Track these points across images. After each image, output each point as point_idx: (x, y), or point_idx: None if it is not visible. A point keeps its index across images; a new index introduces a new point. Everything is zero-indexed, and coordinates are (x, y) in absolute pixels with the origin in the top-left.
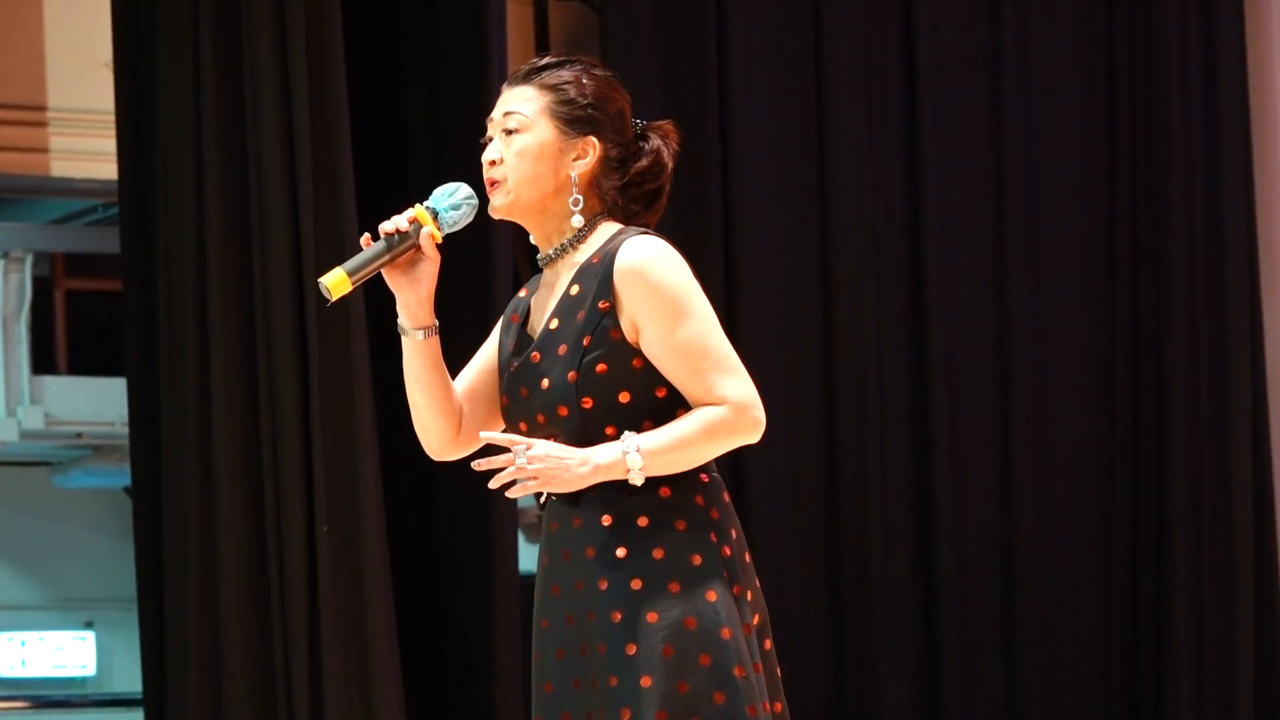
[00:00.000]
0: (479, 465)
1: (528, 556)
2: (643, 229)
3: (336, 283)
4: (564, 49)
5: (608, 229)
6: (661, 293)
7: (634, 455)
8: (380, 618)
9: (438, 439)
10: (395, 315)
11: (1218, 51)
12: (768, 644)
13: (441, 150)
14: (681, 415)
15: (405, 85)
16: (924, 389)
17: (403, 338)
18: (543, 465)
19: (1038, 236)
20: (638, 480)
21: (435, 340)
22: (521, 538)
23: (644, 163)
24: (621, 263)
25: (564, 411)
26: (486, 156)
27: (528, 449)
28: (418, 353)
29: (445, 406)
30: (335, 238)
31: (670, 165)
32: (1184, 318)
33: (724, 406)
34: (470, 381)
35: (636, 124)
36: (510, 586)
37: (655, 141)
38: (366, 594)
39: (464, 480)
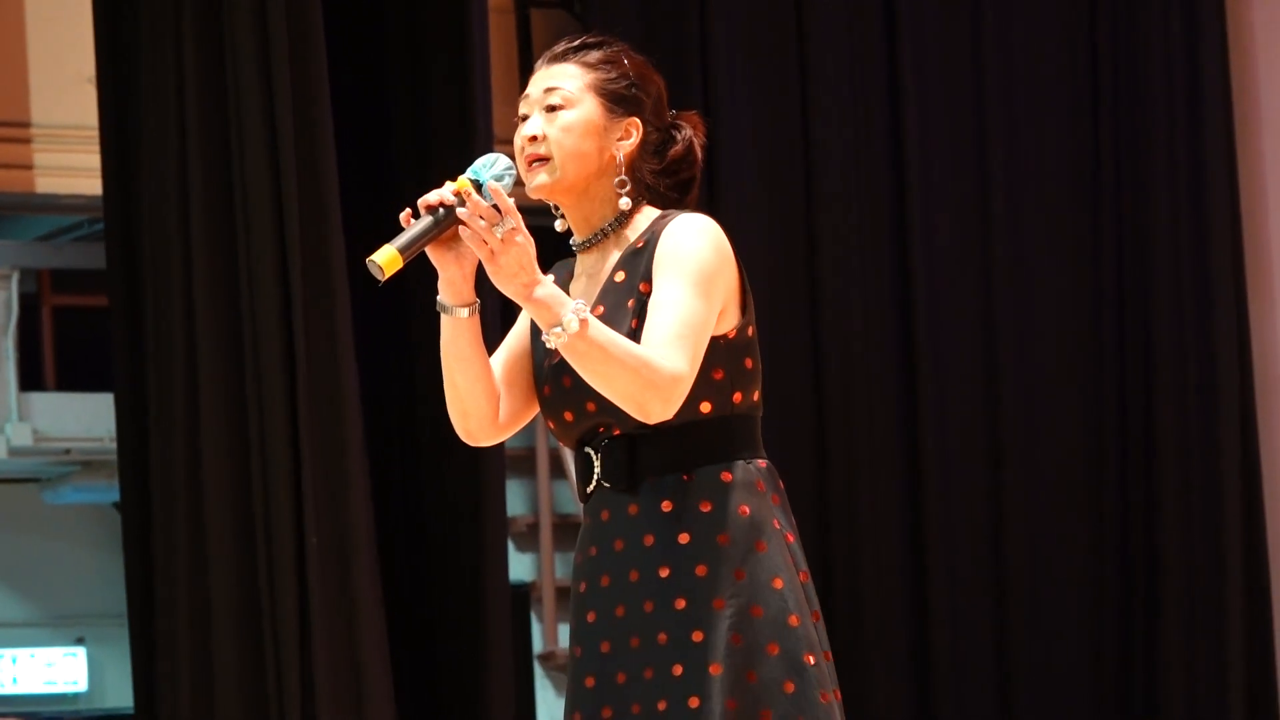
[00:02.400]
0: (468, 194)
1: (518, 566)
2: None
3: (389, 260)
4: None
5: (650, 213)
6: (684, 252)
7: (573, 321)
8: (371, 628)
9: (477, 422)
10: (383, 321)
11: (1200, 48)
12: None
13: (426, 156)
14: (739, 399)
15: (389, 93)
16: (912, 394)
17: (443, 317)
18: (505, 252)
19: (1023, 241)
20: (551, 342)
21: (477, 318)
22: (511, 546)
23: (679, 149)
24: (665, 235)
25: None
26: (527, 131)
27: (515, 232)
28: (461, 331)
29: (487, 387)
30: (321, 249)
31: (700, 156)
32: (1170, 315)
33: (664, 365)
34: (501, 368)
35: (669, 112)
36: (501, 596)
37: (687, 131)
38: (357, 605)
39: (454, 490)
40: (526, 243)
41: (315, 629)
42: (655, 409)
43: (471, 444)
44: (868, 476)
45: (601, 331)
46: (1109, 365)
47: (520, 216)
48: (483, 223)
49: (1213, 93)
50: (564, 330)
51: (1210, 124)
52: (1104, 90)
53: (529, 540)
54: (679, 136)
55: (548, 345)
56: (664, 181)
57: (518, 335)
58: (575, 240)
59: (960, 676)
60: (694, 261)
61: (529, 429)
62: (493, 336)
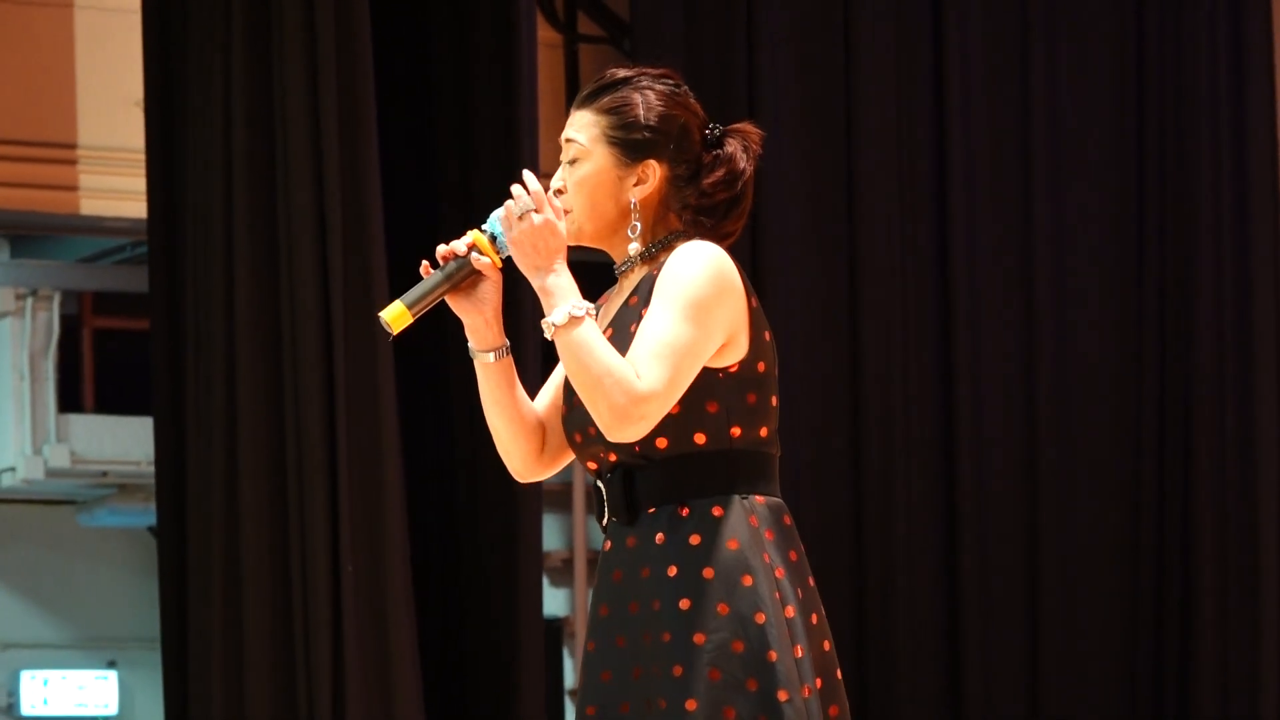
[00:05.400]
0: (525, 173)
1: (552, 600)
2: (701, 239)
3: (396, 316)
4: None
5: (678, 242)
6: (678, 278)
7: (562, 314)
8: (405, 659)
9: (520, 461)
10: (421, 354)
11: (1245, 80)
12: (826, 645)
13: (471, 189)
14: (738, 434)
15: (435, 124)
16: (949, 407)
17: (474, 362)
18: (523, 234)
19: (1064, 258)
20: (546, 331)
21: (508, 361)
22: (546, 581)
23: (719, 173)
24: (667, 262)
25: None
26: (552, 185)
27: (533, 212)
28: (490, 376)
29: (524, 427)
30: (363, 279)
31: (750, 169)
32: (1211, 323)
33: (632, 382)
34: (546, 402)
35: (713, 128)
36: (535, 630)
37: (731, 147)
38: (391, 634)
39: (490, 523)
40: (545, 228)
41: (349, 657)
42: (613, 425)
43: (522, 481)
44: (903, 496)
45: (587, 335)
46: (1149, 372)
47: (554, 206)
48: (512, 203)
49: (1257, 117)
50: (554, 321)
51: (1254, 146)
52: (1149, 113)
53: (563, 575)
54: (720, 156)
55: (543, 328)
56: (702, 205)
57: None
58: (616, 265)
59: (991, 696)
60: (685, 287)
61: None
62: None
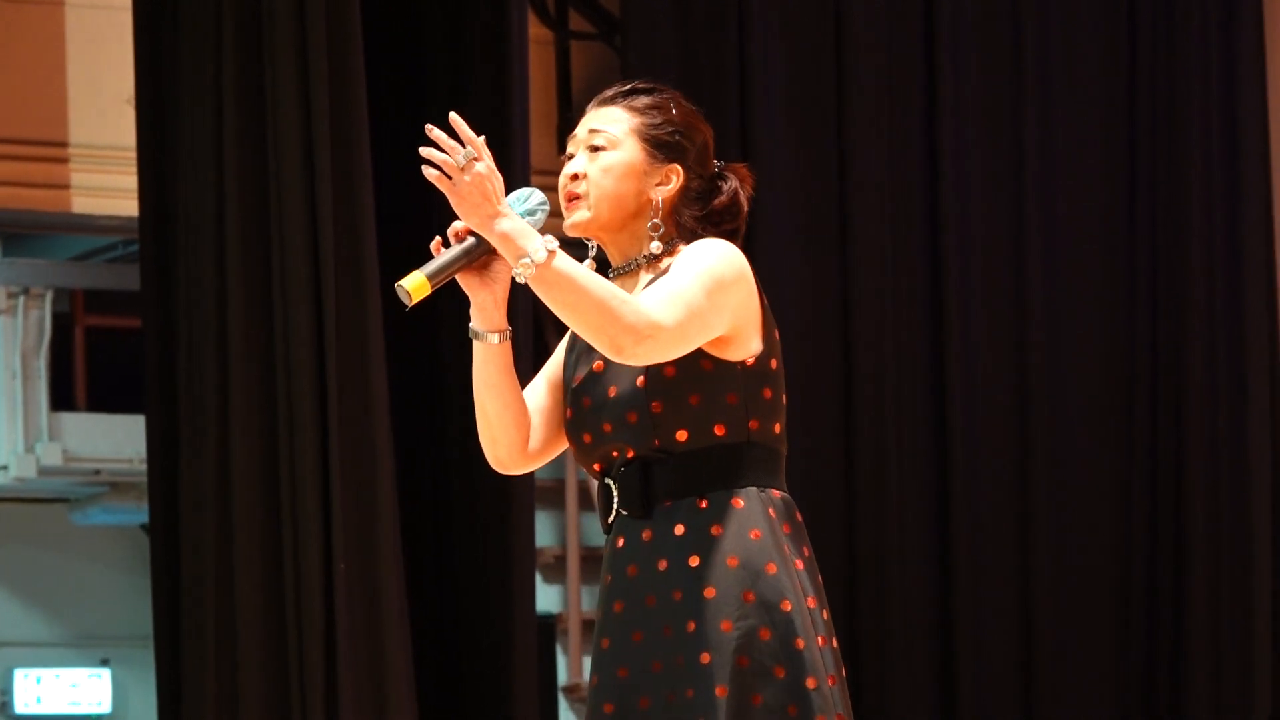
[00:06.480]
0: (430, 130)
1: (545, 597)
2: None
3: (417, 286)
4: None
5: (681, 244)
6: (696, 256)
7: (540, 250)
8: (397, 656)
9: (507, 450)
10: (414, 351)
11: (1238, 90)
12: (834, 642)
13: None
14: (756, 427)
15: (427, 122)
16: (941, 408)
17: (475, 343)
18: (469, 186)
19: (1057, 258)
20: (520, 274)
21: (509, 345)
22: (539, 578)
23: (724, 199)
24: (683, 251)
25: (633, 418)
26: (569, 170)
27: (475, 161)
28: (491, 358)
29: (517, 415)
30: (356, 277)
31: (746, 208)
32: (1203, 323)
33: (641, 309)
34: (536, 397)
35: (716, 163)
36: (527, 627)
37: (733, 182)
38: (384, 631)
39: (482, 520)
40: (490, 174)
41: (341, 655)
42: (626, 342)
43: (502, 471)
44: (896, 475)
45: (573, 265)
46: (1142, 373)
47: (487, 152)
48: (443, 155)
49: (1249, 124)
50: (531, 261)
51: (1246, 153)
52: (1141, 121)
53: (556, 572)
54: (724, 187)
55: (516, 280)
56: (706, 229)
57: (553, 364)
58: (612, 269)
59: (984, 701)
60: (703, 263)
61: (557, 461)
62: (525, 367)
